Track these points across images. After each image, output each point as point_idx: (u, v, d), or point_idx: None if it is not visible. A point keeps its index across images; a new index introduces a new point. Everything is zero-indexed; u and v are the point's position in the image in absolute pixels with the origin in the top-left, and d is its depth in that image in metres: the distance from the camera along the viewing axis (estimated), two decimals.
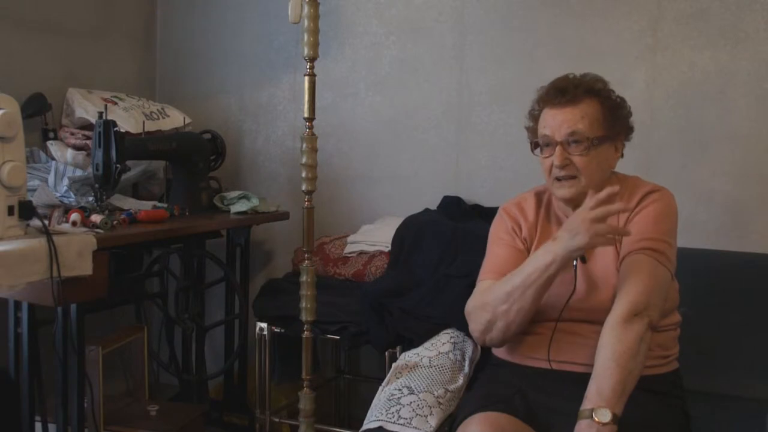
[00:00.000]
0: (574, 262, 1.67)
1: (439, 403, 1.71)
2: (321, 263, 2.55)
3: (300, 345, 2.09)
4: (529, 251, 1.75)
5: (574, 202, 1.68)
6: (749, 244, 2.28)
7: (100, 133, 2.22)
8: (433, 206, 2.65)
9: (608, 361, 1.46)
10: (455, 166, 2.72)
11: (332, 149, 2.85)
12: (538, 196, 1.82)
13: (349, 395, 2.92)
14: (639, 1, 2.42)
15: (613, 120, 1.69)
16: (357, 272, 2.51)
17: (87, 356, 2.09)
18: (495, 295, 1.64)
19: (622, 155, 1.74)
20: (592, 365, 1.50)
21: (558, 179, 1.67)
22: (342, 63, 2.86)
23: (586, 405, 1.42)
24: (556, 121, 1.66)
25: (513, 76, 2.61)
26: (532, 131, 1.76)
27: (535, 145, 1.72)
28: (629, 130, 1.75)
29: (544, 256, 1.56)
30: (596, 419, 1.39)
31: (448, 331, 2.02)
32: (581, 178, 1.65)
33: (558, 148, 1.64)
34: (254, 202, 2.63)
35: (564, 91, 1.67)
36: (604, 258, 1.67)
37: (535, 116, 1.76)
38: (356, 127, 2.86)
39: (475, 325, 1.70)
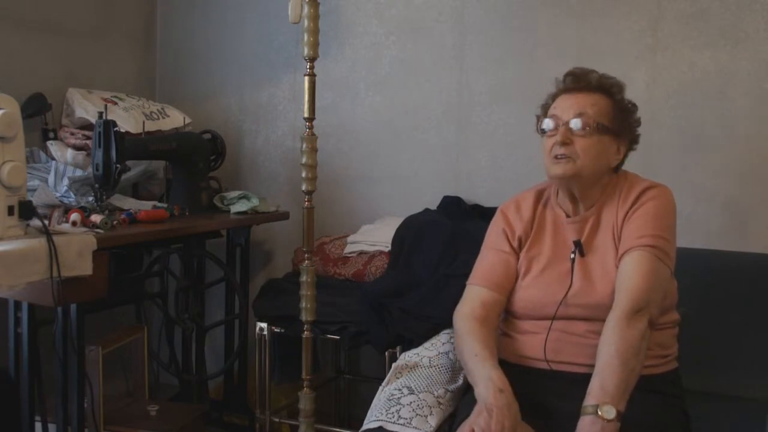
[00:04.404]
0: (572, 256, 1.67)
1: (439, 403, 1.71)
2: (321, 263, 2.55)
3: (300, 345, 2.09)
4: (521, 249, 1.75)
5: (567, 185, 1.69)
6: (749, 244, 2.28)
7: (100, 133, 2.22)
8: (433, 206, 2.65)
9: (612, 357, 1.46)
10: (455, 166, 2.72)
11: (332, 149, 2.85)
12: (539, 193, 1.82)
13: (349, 395, 2.92)
14: (639, 1, 2.42)
15: (621, 120, 1.70)
16: (357, 272, 2.51)
17: (87, 356, 2.09)
18: (459, 352, 1.70)
19: (623, 162, 1.74)
20: (590, 366, 1.51)
21: (556, 157, 1.66)
22: (342, 63, 2.86)
23: (590, 401, 1.42)
24: (566, 103, 1.68)
25: (513, 76, 2.61)
26: (541, 120, 1.76)
27: (541, 131, 1.72)
28: (634, 136, 1.74)
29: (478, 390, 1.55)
30: (601, 415, 1.39)
31: (448, 331, 2.01)
32: (578, 161, 1.64)
33: (562, 127, 1.65)
34: (254, 202, 2.63)
35: (580, 79, 1.71)
36: (603, 254, 1.66)
37: (546, 107, 1.77)
38: (356, 127, 2.86)
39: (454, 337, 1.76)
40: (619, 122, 1.69)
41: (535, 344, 1.67)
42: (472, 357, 1.61)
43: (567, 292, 1.64)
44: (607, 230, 1.68)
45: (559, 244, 1.73)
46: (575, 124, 1.65)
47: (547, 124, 1.69)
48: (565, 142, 1.64)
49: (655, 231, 1.61)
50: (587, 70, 1.73)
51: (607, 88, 1.71)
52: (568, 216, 1.74)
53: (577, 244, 1.69)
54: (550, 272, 1.70)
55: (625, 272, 1.59)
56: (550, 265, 1.71)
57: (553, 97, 1.75)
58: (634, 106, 1.75)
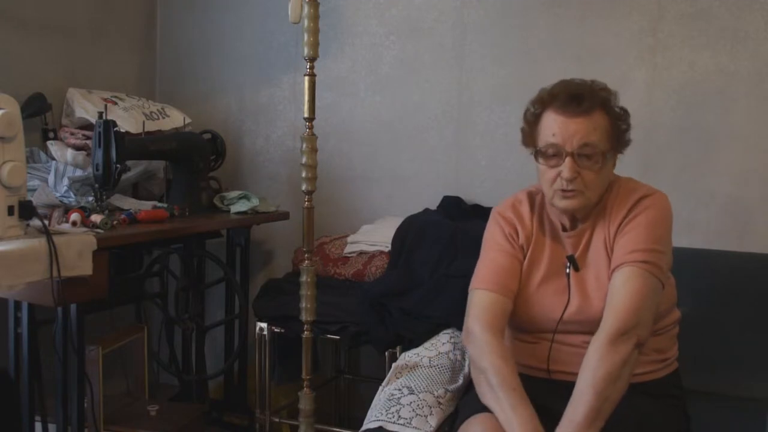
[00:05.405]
0: (567, 270, 1.64)
1: (439, 403, 1.71)
2: (321, 263, 2.55)
3: (300, 345, 2.09)
4: (524, 256, 1.69)
5: (572, 212, 1.64)
6: (749, 244, 2.28)
7: (100, 133, 2.22)
8: (433, 206, 2.66)
9: (587, 386, 1.44)
10: (455, 166, 2.72)
11: (332, 149, 2.85)
12: (531, 197, 1.75)
13: (349, 395, 2.92)
14: (639, 1, 2.42)
15: (618, 132, 1.63)
16: (357, 272, 2.50)
17: (87, 356, 2.10)
18: (484, 369, 1.55)
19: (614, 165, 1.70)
20: None
21: (563, 190, 1.58)
22: (342, 63, 2.86)
23: (559, 430, 1.43)
24: (569, 131, 1.55)
25: (513, 76, 2.61)
26: (529, 136, 1.67)
27: (538, 153, 1.62)
28: (627, 143, 1.67)
29: None
30: None
31: (448, 331, 2.02)
32: (587, 192, 1.58)
33: (568, 160, 1.55)
34: (254, 202, 2.63)
35: (579, 100, 1.56)
36: (597, 267, 1.63)
37: (531, 119, 1.66)
38: (356, 127, 2.86)
39: (470, 357, 1.65)
40: (617, 136, 1.63)
41: (537, 355, 1.66)
42: (510, 390, 1.50)
43: (565, 310, 1.61)
44: (600, 243, 1.64)
45: (556, 255, 1.68)
46: (581, 153, 1.55)
47: (548, 152, 1.59)
48: (574, 178, 1.56)
49: (647, 245, 1.56)
50: (579, 86, 1.61)
51: (604, 102, 1.60)
52: (564, 229, 1.69)
53: (571, 259, 1.64)
54: (547, 287, 1.66)
55: (614, 290, 1.55)
56: (547, 278, 1.66)
57: (536, 105, 1.65)
58: (626, 112, 1.66)
